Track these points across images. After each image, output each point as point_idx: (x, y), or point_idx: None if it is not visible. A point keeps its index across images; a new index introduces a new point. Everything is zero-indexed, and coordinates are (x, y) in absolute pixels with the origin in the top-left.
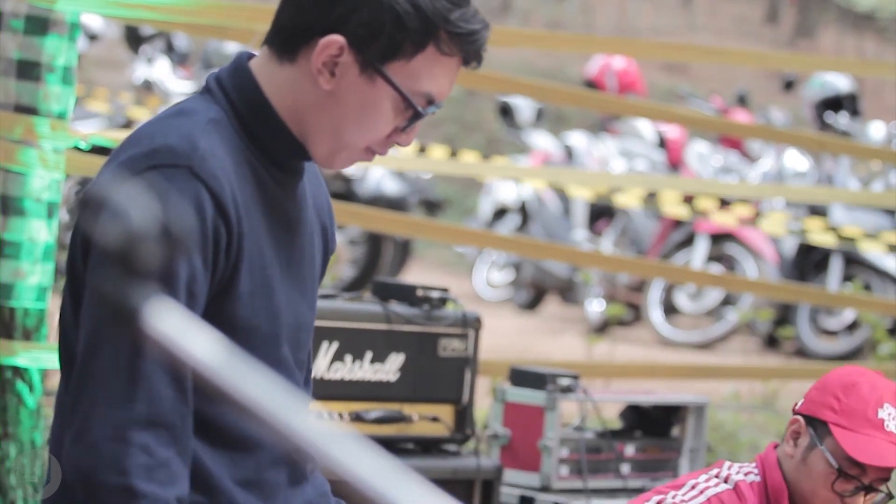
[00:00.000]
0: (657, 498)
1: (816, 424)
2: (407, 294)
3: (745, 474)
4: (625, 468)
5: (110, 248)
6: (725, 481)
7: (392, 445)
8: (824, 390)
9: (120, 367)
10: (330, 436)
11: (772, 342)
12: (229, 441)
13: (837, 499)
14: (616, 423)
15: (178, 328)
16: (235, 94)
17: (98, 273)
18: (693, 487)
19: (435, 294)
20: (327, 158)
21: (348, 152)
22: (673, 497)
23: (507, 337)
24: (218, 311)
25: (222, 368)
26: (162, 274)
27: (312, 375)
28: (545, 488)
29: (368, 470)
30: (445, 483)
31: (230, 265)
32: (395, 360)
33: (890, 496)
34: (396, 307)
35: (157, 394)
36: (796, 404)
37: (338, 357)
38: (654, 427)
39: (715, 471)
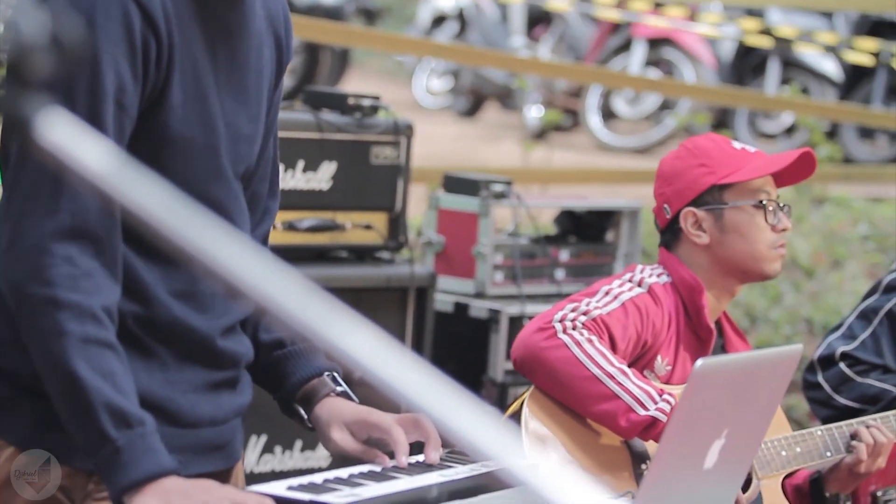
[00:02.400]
0: (571, 306)
1: (706, 197)
2: (338, 102)
3: (658, 276)
4: (559, 273)
5: (5, 60)
6: (639, 285)
7: (325, 254)
8: (683, 175)
9: (45, 179)
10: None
11: None
12: (161, 252)
13: (773, 234)
14: (550, 229)
15: (70, 138)
16: None
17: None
18: (607, 294)
19: (367, 102)
20: None
21: None
22: (587, 304)
23: (446, 144)
24: (151, 123)
25: (114, 178)
26: (87, 86)
27: None
28: (479, 294)
29: (296, 303)
30: (379, 291)
31: (161, 76)
32: (328, 169)
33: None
34: (328, 115)
35: (82, 205)
36: (664, 216)
37: None
38: (589, 232)
39: (628, 275)
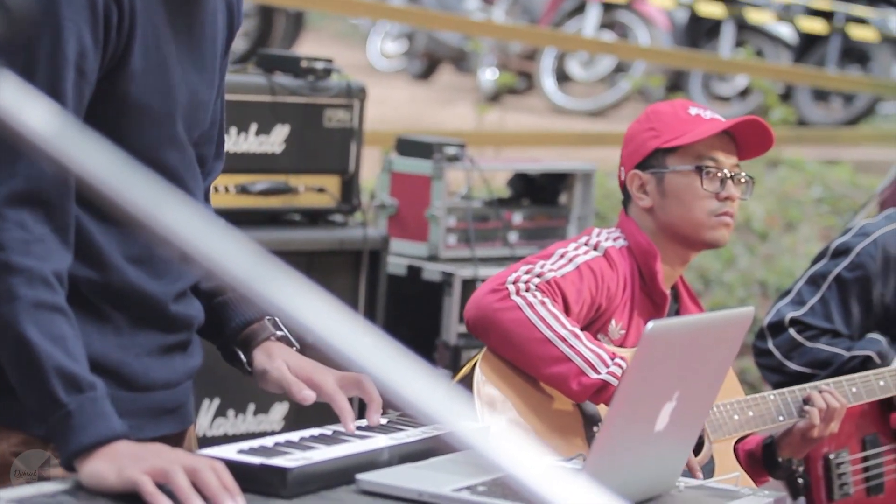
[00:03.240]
0: (526, 268)
1: (650, 161)
2: (292, 65)
3: (615, 239)
4: (512, 236)
5: None
6: (595, 248)
7: (278, 217)
8: (635, 137)
9: (3, 143)
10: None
11: None
12: (116, 217)
13: (715, 200)
14: (504, 192)
15: (20, 102)
16: None
17: None
18: (562, 256)
19: (320, 65)
20: None
21: None
22: (542, 267)
23: (400, 107)
24: (110, 89)
25: (64, 142)
26: (48, 53)
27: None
28: (433, 258)
29: (244, 268)
30: (332, 254)
31: (122, 43)
32: (281, 132)
33: (750, 178)
34: (281, 78)
35: (37, 171)
36: (621, 178)
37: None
38: (542, 195)
39: (584, 238)
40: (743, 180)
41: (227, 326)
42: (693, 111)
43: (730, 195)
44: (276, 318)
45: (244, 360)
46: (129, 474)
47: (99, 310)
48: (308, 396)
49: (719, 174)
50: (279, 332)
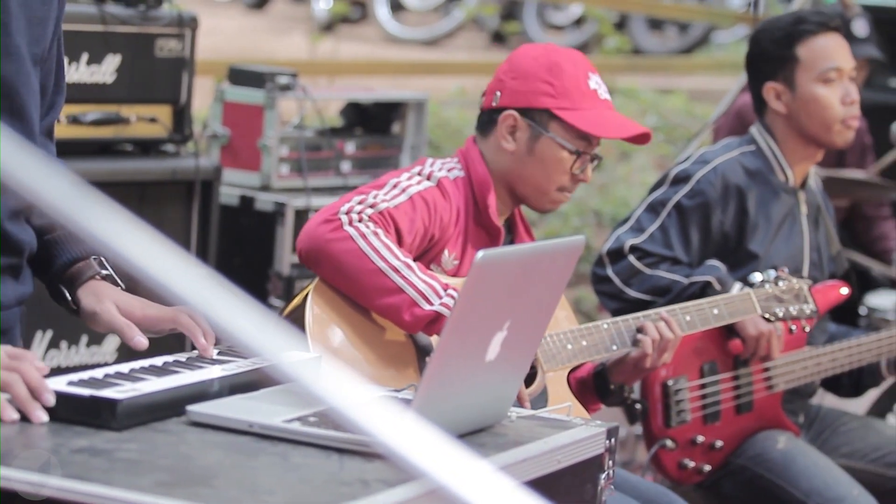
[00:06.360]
0: (359, 198)
1: (535, 114)
2: None
3: (449, 170)
4: (345, 166)
5: None
6: (428, 178)
7: (110, 147)
8: (528, 78)
9: None
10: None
11: (498, 38)
12: None
13: (568, 178)
14: (337, 122)
15: None
16: None
17: None
18: (395, 186)
19: None
20: None
21: None
22: (374, 197)
23: (233, 37)
24: None
25: None
26: None
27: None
28: (265, 187)
29: (68, 201)
30: (165, 184)
31: None
32: (112, 62)
33: (599, 157)
34: (112, 8)
35: None
36: (491, 100)
37: None
38: (375, 124)
39: (417, 168)
40: (595, 163)
41: (54, 264)
42: (592, 83)
43: (584, 178)
44: (102, 258)
45: (69, 297)
46: None
47: None
48: (140, 343)
49: (586, 157)
50: (104, 272)
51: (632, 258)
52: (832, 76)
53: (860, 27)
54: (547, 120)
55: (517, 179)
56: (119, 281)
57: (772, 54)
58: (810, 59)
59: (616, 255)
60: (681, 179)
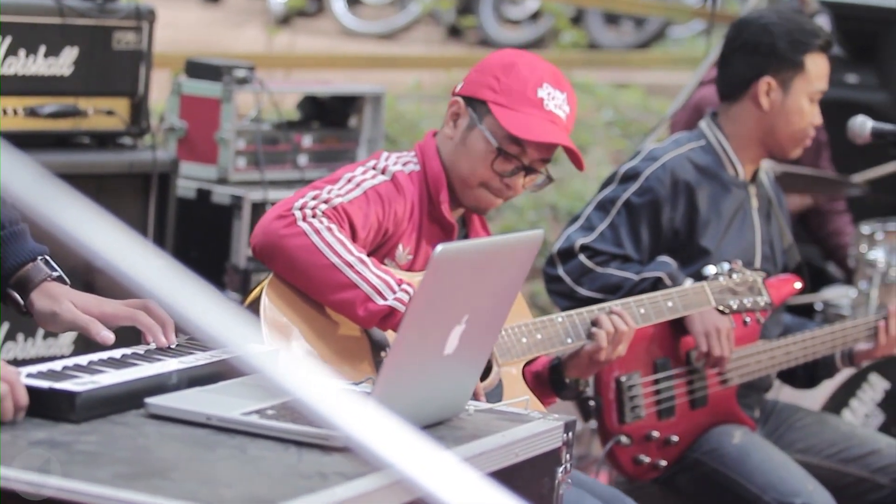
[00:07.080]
0: (313, 193)
1: (476, 104)
2: None
3: (404, 164)
4: (302, 159)
5: None
6: (383, 173)
7: (67, 140)
8: (484, 71)
9: None
10: None
11: (454, 32)
12: None
13: (497, 178)
14: (293, 115)
15: None
16: None
17: None
18: (349, 181)
19: None
20: None
21: None
22: (328, 192)
23: (190, 30)
24: None
25: None
26: None
27: None
28: (222, 180)
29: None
30: (121, 177)
31: None
32: (69, 54)
33: (549, 179)
34: (69, 0)
35: None
36: (456, 87)
37: (11, 52)
38: (332, 118)
39: (372, 162)
40: (539, 180)
41: (1, 267)
42: (542, 92)
43: (513, 186)
44: (48, 257)
45: (20, 301)
46: None
47: None
48: (107, 337)
49: (516, 163)
50: (55, 273)
51: (582, 257)
52: (817, 97)
53: (823, 23)
54: (484, 112)
55: (450, 168)
56: (66, 279)
57: (784, 53)
58: (812, 72)
59: (566, 254)
60: (630, 177)
